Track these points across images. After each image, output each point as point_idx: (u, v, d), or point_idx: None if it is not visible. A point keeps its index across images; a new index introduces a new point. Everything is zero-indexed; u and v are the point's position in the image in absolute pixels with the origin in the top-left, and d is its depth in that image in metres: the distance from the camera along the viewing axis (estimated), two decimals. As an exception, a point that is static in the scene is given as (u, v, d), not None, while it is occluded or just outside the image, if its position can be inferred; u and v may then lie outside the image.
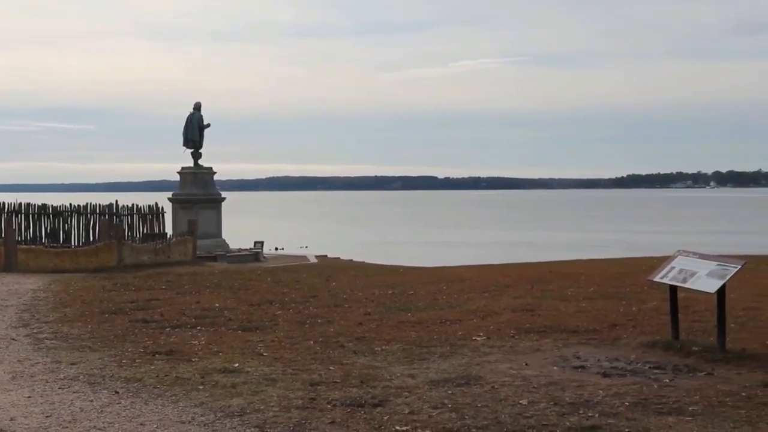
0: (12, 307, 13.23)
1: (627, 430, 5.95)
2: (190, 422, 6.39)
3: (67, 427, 6.35)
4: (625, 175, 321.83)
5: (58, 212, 23.23)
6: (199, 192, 28.19)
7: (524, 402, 6.71)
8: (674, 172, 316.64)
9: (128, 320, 11.58)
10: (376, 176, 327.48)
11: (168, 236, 24.70)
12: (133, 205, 24.77)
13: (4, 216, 21.74)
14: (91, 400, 7.11)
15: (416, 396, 6.97)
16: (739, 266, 8.66)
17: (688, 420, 6.16)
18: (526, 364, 8.22)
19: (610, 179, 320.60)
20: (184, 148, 28.79)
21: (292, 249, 35.69)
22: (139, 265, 21.28)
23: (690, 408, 6.47)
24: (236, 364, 8.36)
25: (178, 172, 28.83)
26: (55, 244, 22.17)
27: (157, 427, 6.29)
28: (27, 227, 22.56)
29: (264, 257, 28.48)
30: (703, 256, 9.15)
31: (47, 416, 6.65)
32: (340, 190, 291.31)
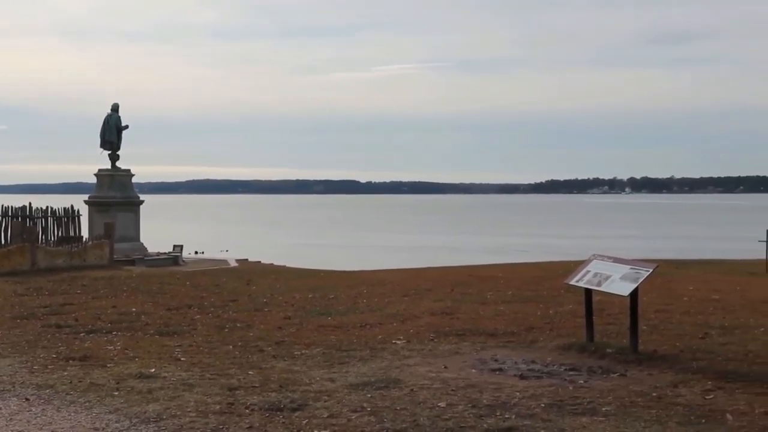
0: None
1: (543, 431, 6.06)
2: (104, 429, 6.25)
3: (-27, 436, 6.16)
4: (544, 181, 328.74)
5: (-33, 214, 22.54)
6: (116, 194, 27.68)
7: (443, 404, 6.77)
8: (591, 178, 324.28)
9: (41, 325, 11.29)
10: (297, 180, 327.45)
11: (84, 239, 24.17)
12: (47, 207, 24.21)
13: None
14: (0, 408, 6.89)
15: (335, 400, 6.96)
16: (651, 270, 8.92)
17: (601, 420, 6.30)
18: (445, 367, 8.29)
19: (529, 184, 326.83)
20: (102, 149, 28.20)
21: (212, 253, 35.22)
22: (53, 269, 20.78)
23: (603, 408, 6.62)
24: (153, 370, 8.22)
25: (95, 174, 28.28)
26: (-36, 247, 21.48)
27: (69, 435, 6.14)
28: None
29: (183, 261, 28.07)
30: (617, 260, 9.38)
31: (-47, 425, 6.43)
32: (262, 193, 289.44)
